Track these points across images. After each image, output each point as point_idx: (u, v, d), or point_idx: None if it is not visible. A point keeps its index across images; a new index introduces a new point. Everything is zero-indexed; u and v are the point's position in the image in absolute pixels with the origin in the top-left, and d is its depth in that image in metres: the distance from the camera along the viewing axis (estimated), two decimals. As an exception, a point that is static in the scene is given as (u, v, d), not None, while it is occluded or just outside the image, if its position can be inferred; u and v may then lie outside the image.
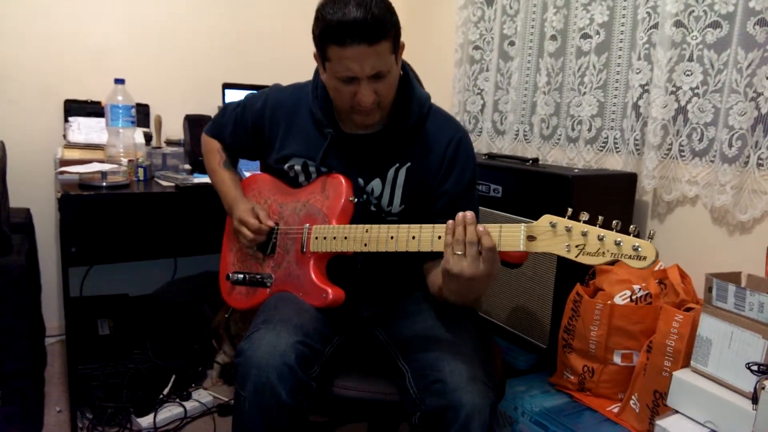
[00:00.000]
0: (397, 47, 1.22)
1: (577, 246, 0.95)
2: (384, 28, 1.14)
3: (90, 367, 1.97)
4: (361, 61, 1.16)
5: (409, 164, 1.35)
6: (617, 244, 0.91)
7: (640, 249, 0.89)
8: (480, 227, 1.04)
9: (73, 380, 1.81)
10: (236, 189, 1.50)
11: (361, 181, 1.35)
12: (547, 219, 0.98)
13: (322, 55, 1.22)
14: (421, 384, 1.17)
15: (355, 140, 1.34)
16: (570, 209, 0.97)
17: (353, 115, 1.28)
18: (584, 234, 0.94)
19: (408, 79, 1.35)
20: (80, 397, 1.92)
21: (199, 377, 2.20)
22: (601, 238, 0.92)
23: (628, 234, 0.91)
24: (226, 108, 1.57)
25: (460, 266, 1.05)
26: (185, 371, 2.10)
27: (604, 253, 0.92)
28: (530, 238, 1.00)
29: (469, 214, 1.05)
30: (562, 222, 0.96)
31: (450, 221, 1.07)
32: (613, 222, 0.93)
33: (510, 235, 1.02)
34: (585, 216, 0.95)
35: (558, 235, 0.97)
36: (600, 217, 0.94)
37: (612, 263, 0.94)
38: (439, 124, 1.38)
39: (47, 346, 2.40)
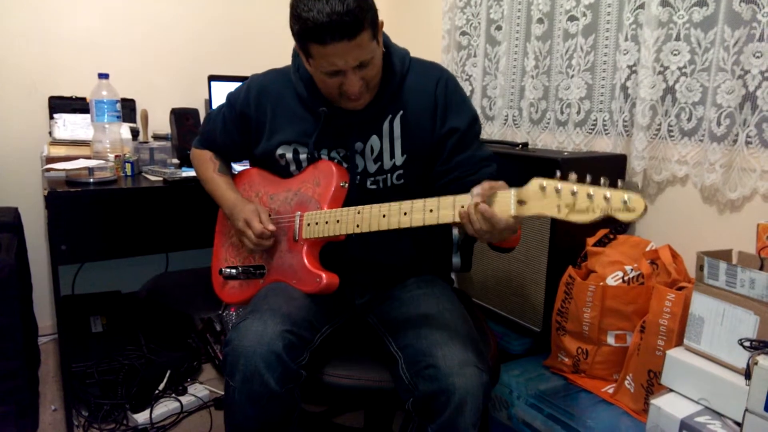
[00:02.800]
0: (376, 30, 1.20)
1: (567, 205, 0.95)
2: (361, 20, 1.12)
3: (84, 365, 1.97)
4: (344, 56, 1.15)
5: (401, 112, 1.34)
6: (606, 199, 0.91)
7: (628, 201, 0.89)
8: (483, 207, 1.03)
9: (67, 378, 1.80)
10: (234, 192, 1.47)
11: (359, 144, 1.34)
12: (536, 182, 0.98)
13: (304, 51, 1.20)
14: (413, 370, 1.17)
15: (346, 112, 1.33)
16: (559, 172, 0.97)
17: (342, 102, 1.27)
18: (574, 193, 0.94)
19: (385, 38, 1.33)
20: (75, 395, 1.91)
21: (195, 371, 2.20)
22: (590, 195, 0.92)
23: (617, 189, 0.91)
24: (209, 116, 1.55)
25: (487, 238, 1.08)
26: (180, 366, 2.10)
27: (594, 209, 0.92)
28: (521, 202, 1.00)
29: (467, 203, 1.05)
30: (552, 183, 0.96)
31: (463, 210, 1.06)
32: (602, 179, 0.93)
33: (501, 200, 1.02)
34: (574, 176, 0.95)
35: (548, 197, 0.97)
36: (588, 176, 0.94)
37: (602, 220, 0.94)
38: (422, 69, 1.38)
39: (40, 345, 2.39)
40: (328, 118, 1.33)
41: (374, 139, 1.34)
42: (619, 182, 0.91)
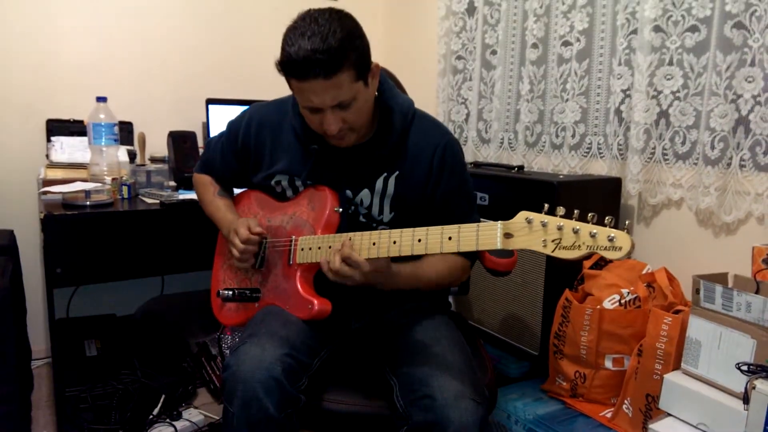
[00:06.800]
0: (364, 72, 1.19)
1: (553, 241, 0.94)
2: (340, 59, 1.12)
3: (78, 390, 1.94)
4: (320, 94, 1.15)
5: (397, 173, 1.34)
6: (592, 236, 0.90)
7: (615, 239, 0.88)
8: (345, 251, 1.16)
9: (60, 403, 1.78)
10: (233, 214, 1.48)
11: (349, 192, 1.34)
12: (523, 215, 0.97)
13: (288, 84, 1.22)
14: (408, 398, 1.16)
15: (340, 153, 1.34)
16: (547, 205, 0.96)
17: (327, 139, 1.28)
18: (560, 228, 0.93)
19: (388, 89, 1.35)
20: (68, 420, 1.88)
21: (190, 396, 2.17)
22: (576, 231, 0.91)
23: (604, 226, 0.90)
24: (209, 143, 1.56)
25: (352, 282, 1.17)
26: (175, 390, 2.07)
27: (579, 246, 0.91)
28: (507, 235, 0.99)
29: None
30: (538, 217, 0.96)
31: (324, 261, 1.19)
32: (589, 215, 0.92)
33: (487, 233, 1.02)
34: (561, 211, 0.94)
35: (534, 231, 0.96)
36: (576, 211, 0.93)
37: (588, 256, 0.93)
38: (425, 129, 1.38)
39: (34, 369, 2.36)
40: (320, 156, 1.34)
41: (365, 194, 1.35)
42: (607, 219, 0.90)
